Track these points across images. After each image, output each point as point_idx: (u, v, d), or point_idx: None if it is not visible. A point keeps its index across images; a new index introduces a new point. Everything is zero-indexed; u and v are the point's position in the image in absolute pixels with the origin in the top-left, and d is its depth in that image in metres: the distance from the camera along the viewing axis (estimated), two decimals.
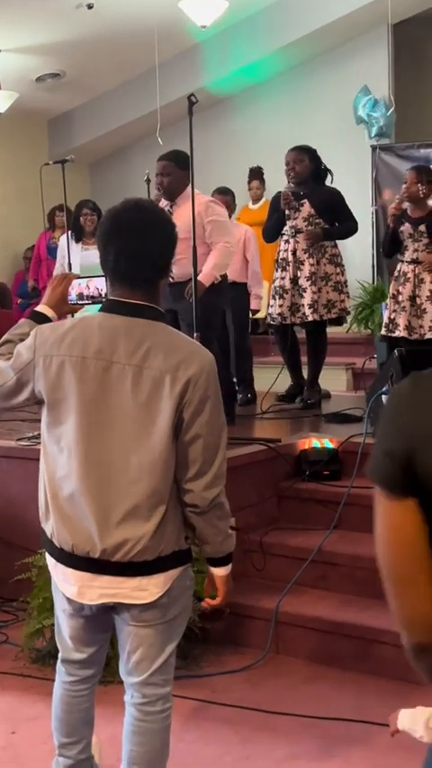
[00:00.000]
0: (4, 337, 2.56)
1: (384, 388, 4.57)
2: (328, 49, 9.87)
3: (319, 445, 4.69)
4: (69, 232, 7.08)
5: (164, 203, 5.30)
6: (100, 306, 2.52)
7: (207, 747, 3.30)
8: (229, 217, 6.41)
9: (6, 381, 2.43)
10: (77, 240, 7.17)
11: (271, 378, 6.25)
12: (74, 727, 2.64)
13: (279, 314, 5.88)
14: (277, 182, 9.54)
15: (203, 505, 2.37)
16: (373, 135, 9.83)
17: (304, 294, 5.77)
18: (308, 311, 5.76)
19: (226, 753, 3.26)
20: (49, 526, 2.45)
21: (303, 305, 5.79)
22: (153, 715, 2.52)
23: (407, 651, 1.29)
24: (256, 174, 9.86)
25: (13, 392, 2.45)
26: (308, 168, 5.84)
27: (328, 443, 4.69)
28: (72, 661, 2.61)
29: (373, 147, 9.77)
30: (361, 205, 8.38)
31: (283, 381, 6.28)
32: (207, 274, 5.00)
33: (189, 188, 5.02)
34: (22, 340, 2.48)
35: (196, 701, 3.53)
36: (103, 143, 11.20)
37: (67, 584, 2.46)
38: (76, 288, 2.78)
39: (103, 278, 2.67)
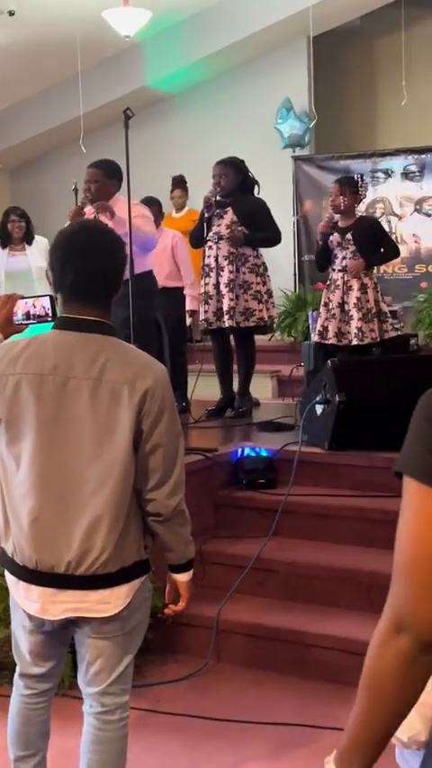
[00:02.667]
0: None
1: (318, 398, 4.66)
2: (250, 59, 9.99)
3: (254, 454, 4.76)
4: None
5: (90, 209, 5.37)
6: (45, 325, 2.57)
7: (154, 757, 3.33)
8: (160, 223, 6.46)
9: None
10: (4, 246, 7.12)
11: (199, 384, 6.31)
12: (31, 740, 2.65)
13: (205, 319, 5.95)
14: (200, 190, 9.60)
15: (167, 513, 2.42)
16: (284, 146, 9.98)
17: (223, 300, 5.85)
18: (225, 317, 5.84)
19: (173, 762, 3.30)
20: (10, 545, 2.45)
21: (224, 311, 5.87)
22: (112, 724, 2.55)
23: (404, 651, 1.31)
24: (179, 182, 9.90)
25: None
26: (233, 181, 5.92)
27: (263, 452, 4.76)
28: (30, 675, 2.62)
29: (294, 158, 9.93)
30: (283, 215, 8.50)
31: (207, 388, 6.30)
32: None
33: (116, 196, 5.32)
34: None
35: (141, 710, 3.54)
36: (23, 150, 11.09)
37: (29, 601, 2.47)
38: (22, 307, 2.78)
39: (48, 297, 2.75)
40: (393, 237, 9.33)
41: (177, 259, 6.41)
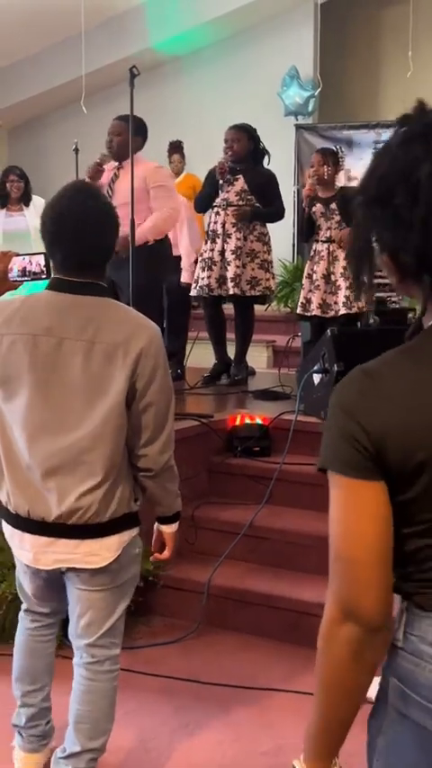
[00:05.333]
0: None
1: (316, 367, 4.65)
2: (255, 24, 9.88)
3: (249, 422, 4.76)
4: None
5: (111, 165, 5.28)
6: (41, 282, 2.62)
7: (145, 717, 3.35)
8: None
9: None
10: (2, 206, 7.05)
11: (193, 352, 6.29)
12: (38, 674, 2.77)
13: (207, 285, 5.88)
14: (198, 155, 9.54)
15: (157, 468, 2.49)
16: (286, 113, 9.89)
17: (228, 267, 5.80)
18: (230, 285, 5.79)
19: (163, 722, 3.32)
20: (4, 493, 2.54)
21: (228, 278, 5.83)
22: (101, 674, 2.63)
23: (354, 639, 1.35)
24: (176, 147, 9.81)
25: None
26: (246, 147, 5.85)
27: (258, 420, 4.76)
28: (35, 612, 2.77)
29: (297, 127, 9.85)
30: (283, 184, 8.42)
31: (200, 354, 6.28)
32: (141, 233, 5.00)
33: (137, 155, 5.09)
34: None
35: (131, 672, 3.56)
36: (24, 109, 10.99)
37: (22, 550, 2.56)
38: (18, 263, 2.81)
39: (43, 255, 2.77)
40: None
41: (179, 228, 6.34)
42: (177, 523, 2.69)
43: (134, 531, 2.58)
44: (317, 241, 5.80)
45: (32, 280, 2.85)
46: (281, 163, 9.10)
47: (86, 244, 2.44)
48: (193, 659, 3.78)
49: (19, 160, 10.67)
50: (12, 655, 2.94)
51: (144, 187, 5.02)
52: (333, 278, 5.69)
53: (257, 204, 5.85)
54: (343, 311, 5.61)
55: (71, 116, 10.27)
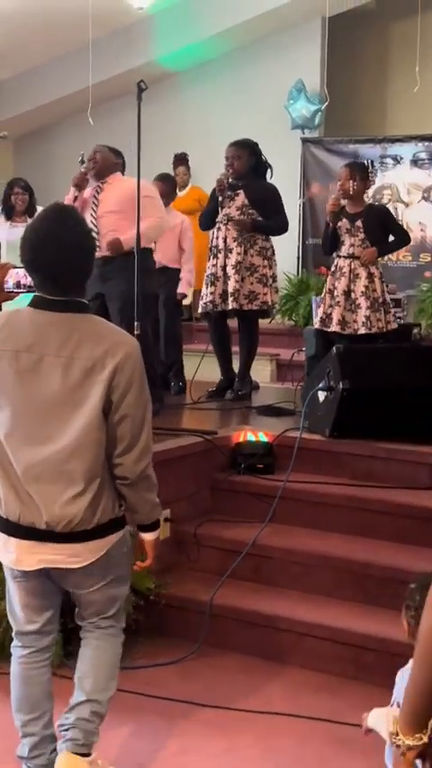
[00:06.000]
0: None
1: (321, 385, 4.61)
2: (263, 38, 9.88)
3: (254, 438, 4.71)
4: None
5: (91, 187, 5.36)
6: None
7: (142, 741, 3.29)
8: (169, 203, 6.40)
9: None
10: (7, 218, 7.03)
11: (195, 364, 6.23)
12: (36, 702, 2.78)
13: (210, 301, 5.87)
14: (204, 168, 9.52)
15: (133, 477, 2.60)
16: (293, 127, 9.88)
17: (228, 282, 5.78)
18: (229, 299, 5.77)
19: (162, 746, 3.26)
20: None
21: (229, 293, 5.81)
22: (106, 636, 2.80)
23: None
24: (181, 159, 9.81)
25: None
26: (246, 164, 5.83)
27: (262, 437, 4.71)
28: (27, 632, 2.77)
29: (303, 140, 9.83)
30: (289, 197, 8.40)
31: (207, 369, 6.23)
32: (129, 238, 5.03)
33: (116, 173, 5.35)
34: None
35: (130, 693, 3.50)
36: (31, 118, 10.99)
37: (6, 552, 2.64)
38: (13, 276, 2.98)
39: None
40: None
41: (183, 243, 6.39)
42: (157, 531, 2.80)
43: (121, 533, 2.70)
44: (339, 256, 5.72)
45: (28, 292, 2.90)
46: (286, 176, 9.06)
47: (66, 267, 2.53)
48: (194, 681, 3.72)
49: (25, 169, 10.69)
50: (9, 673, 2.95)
51: (132, 196, 5.03)
52: (353, 296, 5.62)
53: (259, 218, 5.82)
54: (362, 331, 5.55)
55: (77, 126, 10.26)
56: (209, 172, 6.49)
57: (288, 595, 4.04)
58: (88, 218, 5.21)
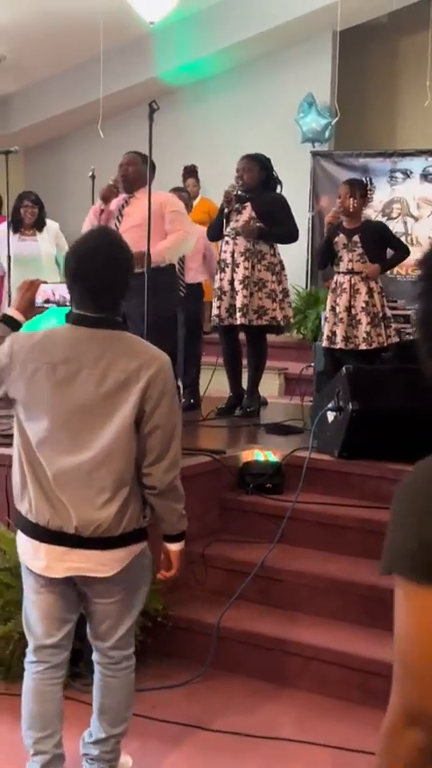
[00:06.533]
0: None
1: (330, 405, 4.59)
2: (273, 51, 9.89)
3: (262, 458, 4.69)
4: (8, 222, 6.93)
5: (121, 196, 5.35)
6: (63, 308, 2.91)
7: (148, 765, 3.28)
8: None
9: None
10: (15, 231, 7.03)
11: (206, 376, 6.23)
12: (48, 720, 2.84)
13: (217, 315, 5.87)
14: (214, 180, 9.53)
15: (162, 487, 2.71)
16: (303, 140, 9.89)
17: (236, 297, 5.77)
18: (237, 314, 5.76)
19: None
20: (26, 503, 2.72)
21: (236, 307, 5.79)
22: (119, 671, 2.90)
23: (419, 745, 1.28)
24: (191, 171, 9.84)
25: None
26: (256, 178, 5.81)
27: (271, 456, 4.69)
28: (44, 647, 2.84)
29: (313, 154, 9.84)
30: (298, 210, 8.39)
31: (220, 380, 6.21)
32: (159, 251, 5.05)
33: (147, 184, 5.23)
34: None
35: (137, 716, 3.48)
36: (41, 130, 11.02)
37: (36, 559, 2.73)
38: (42, 293, 3.07)
39: (65, 285, 2.97)
40: (409, 239, 9.29)
41: (206, 253, 6.37)
42: (182, 543, 2.88)
43: (143, 545, 2.80)
44: (338, 273, 5.74)
45: (57, 306, 3.11)
46: (296, 189, 9.07)
47: (109, 281, 2.69)
48: (200, 704, 3.70)
49: (35, 180, 10.73)
50: (18, 694, 2.96)
51: (160, 211, 5.06)
52: (354, 311, 5.64)
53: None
54: (363, 346, 5.57)
55: (87, 138, 10.29)
56: (218, 184, 6.47)
57: (296, 618, 4.03)
58: None
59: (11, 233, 6.90)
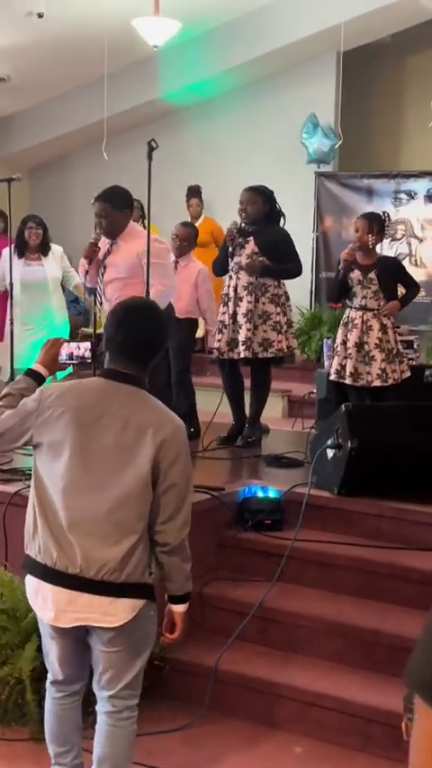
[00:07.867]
0: (5, 390, 3.06)
1: (329, 442, 4.57)
2: (277, 71, 9.89)
3: (261, 495, 4.67)
4: (12, 246, 6.90)
5: (104, 242, 5.30)
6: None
7: None
8: (190, 251, 6.36)
9: (12, 426, 2.88)
10: (20, 255, 7.02)
11: (208, 400, 6.19)
12: (66, 737, 3.07)
13: (217, 348, 5.86)
14: (218, 200, 9.55)
15: (174, 543, 2.83)
16: (309, 161, 9.88)
17: (240, 331, 5.74)
18: (241, 348, 5.73)
19: None
20: (35, 545, 2.82)
21: (239, 341, 5.76)
22: (121, 721, 2.96)
23: None
24: (195, 192, 9.85)
25: (17, 436, 2.89)
26: (260, 210, 5.79)
27: (270, 492, 4.67)
28: (61, 681, 3.03)
29: (317, 174, 9.83)
30: (302, 231, 8.41)
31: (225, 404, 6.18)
32: None
33: (129, 226, 5.22)
34: (21, 394, 2.98)
35: (133, 764, 3.46)
36: (45, 149, 11.05)
37: (45, 610, 2.83)
38: (66, 348, 3.25)
39: (89, 342, 3.34)
40: (413, 260, 9.29)
41: (199, 296, 6.28)
42: (187, 604, 2.97)
43: (152, 605, 2.87)
44: (350, 308, 5.66)
45: (80, 363, 3.37)
46: (300, 210, 9.08)
47: (149, 350, 2.92)
48: (197, 749, 3.67)
49: (39, 200, 10.75)
50: (14, 740, 3.26)
51: (138, 263, 5.03)
52: (366, 348, 5.58)
53: (268, 263, 5.76)
54: (377, 383, 5.52)
55: (91, 158, 10.30)
56: (223, 204, 6.46)
57: (294, 661, 4.00)
58: (97, 285, 5.23)
59: (15, 258, 6.88)
